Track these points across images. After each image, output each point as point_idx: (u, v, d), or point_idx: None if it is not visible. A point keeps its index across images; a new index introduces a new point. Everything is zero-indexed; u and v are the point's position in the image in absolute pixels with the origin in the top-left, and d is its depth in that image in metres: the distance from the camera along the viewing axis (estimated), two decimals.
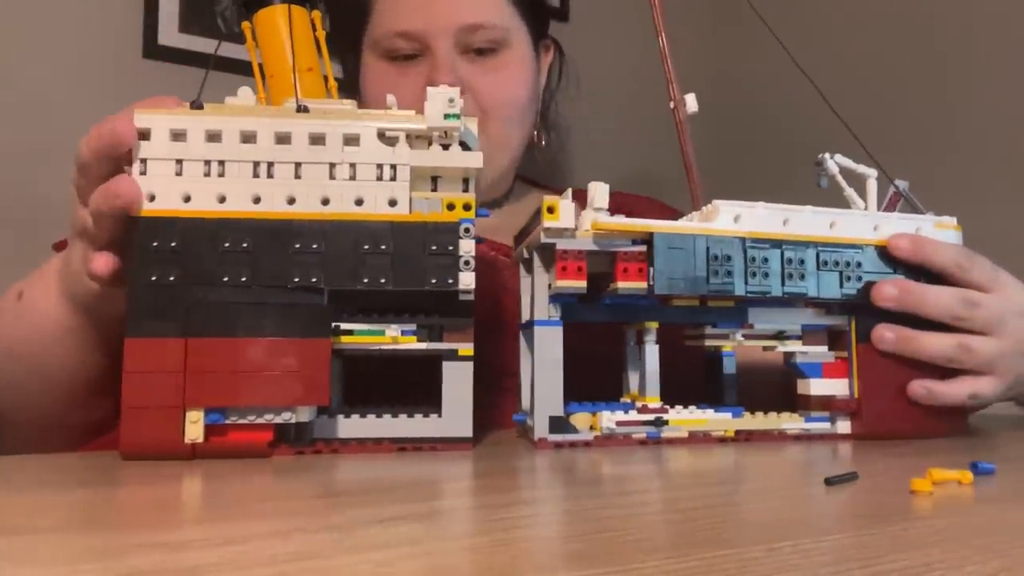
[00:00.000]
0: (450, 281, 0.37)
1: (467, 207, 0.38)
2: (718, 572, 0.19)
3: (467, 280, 0.37)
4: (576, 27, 1.13)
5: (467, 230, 0.37)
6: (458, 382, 0.38)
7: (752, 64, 1.05)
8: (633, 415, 0.40)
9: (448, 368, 0.38)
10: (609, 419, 0.40)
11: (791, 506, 0.28)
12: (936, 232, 0.44)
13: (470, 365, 0.38)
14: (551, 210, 0.38)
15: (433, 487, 0.31)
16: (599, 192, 0.39)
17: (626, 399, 0.44)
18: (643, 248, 0.39)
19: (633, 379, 0.43)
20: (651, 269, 0.39)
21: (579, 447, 0.40)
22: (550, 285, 0.40)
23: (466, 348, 0.38)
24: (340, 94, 0.41)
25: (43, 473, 0.34)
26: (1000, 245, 0.50)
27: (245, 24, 0.41)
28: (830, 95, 0.50)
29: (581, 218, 0.39)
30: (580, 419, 0.40)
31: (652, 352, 0.42)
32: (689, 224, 0.41)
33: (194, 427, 0.34)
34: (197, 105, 0.36)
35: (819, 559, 0.20)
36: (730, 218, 0.41)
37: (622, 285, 0.39)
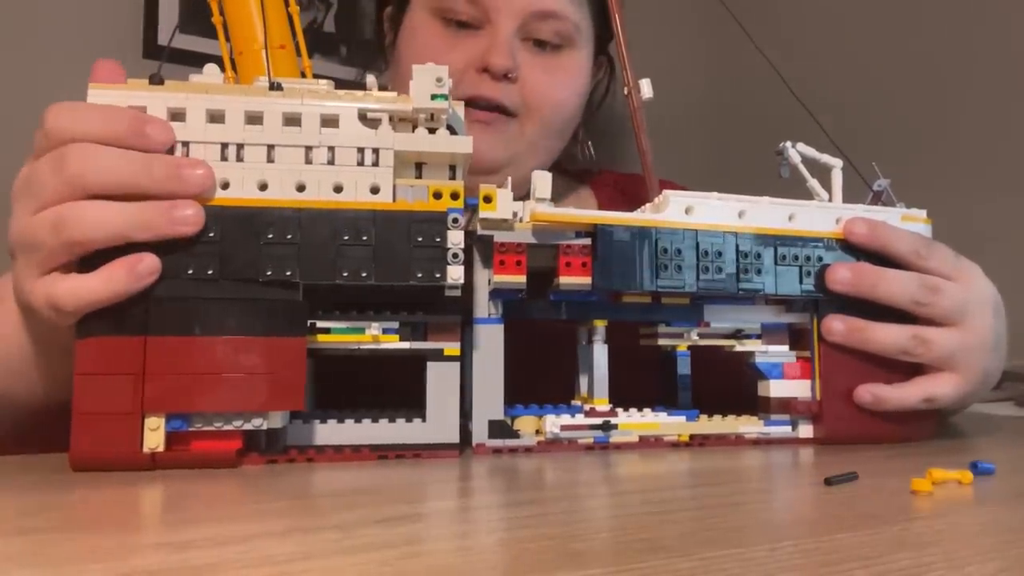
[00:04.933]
0: (437, 275, 0.37)
1: (455, 196, 0.38)
2: (718, 572, 0.20)
3: (455, 274, 0.37)
4: None
5: (455, 220, 0.37)
6: (444, 384, 0.39)
7: (741, 59, 1.08)
8: (580, 419, 0.41)
9: (433, 369, 0.39)
10: (553, 423, 0.41)
11: (791, 506, 0.30)
12: (902, 225, 0.45)
13: (456, 366, 0.39)
14: (488, 199, 0.38)
15: (429, 488, 0.32)
16: (540, 182, 0.40)
17: (577, 401, 0.45)
18: (587, 241, 0.40)
19: (585, 380, 0.44)
20: (594, 263, 0.39)
21: (520, 453, 0.40)
22: (490, 280, 0.40)
23: (452, 348, 0.39)
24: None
25: (42, 473, 0.34)
26: (972, 240, 0.52)
27: None
28: (812, 88, 0.52)
29: (523, 209, 0.40)
30: (526, 422, 0.41)
31: (600, 352, 0.43)
32: (636, 216, 0.42)
33: (154, 435, 0.34)
34: (157, 80, 0.36)
35: (819, 559, 0.22)
36: (680, 210, 0.42)
37: (564, 280, 0.40)
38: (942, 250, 0.44)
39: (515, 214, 0.40)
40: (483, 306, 0.40)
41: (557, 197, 0.41)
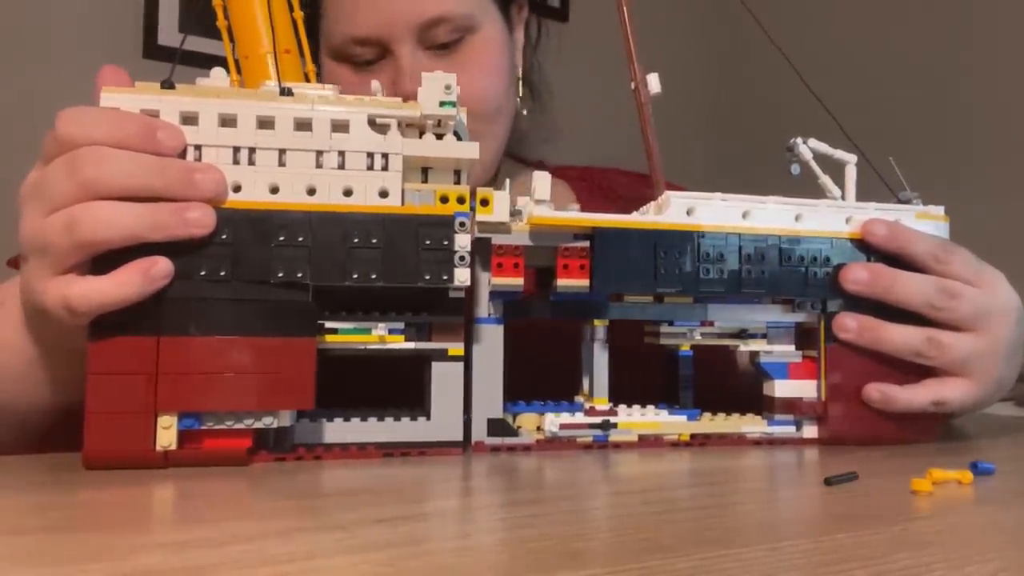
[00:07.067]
0: (444, 277, 0.37)
1: (461, 200, 0.38)
2: (718, 572, 0.20)
3: (462, 276, 0.37)
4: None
5: (462, 224, 0.38)
6: (448, 383, 0.39)
7: (752, 57, 1.07)
8: (579, 417, 0.41)
9: (437, 369, 0.39)
10: (552, 422, 0.40)
11: (791, 506, 0.29)
12: (917, 223, 0.44)
13: (460, 366, 0.39)
14: (484, 203, 0.38)
15: (431, 487, 0.32)
16: (540, 183, 0.39)
17: (579, 399, 0.44)
18: (585, 244, 0.40)
19: (587, 378, 0.44)
20: (593, 266, 0.39)
21: (519, 451, 0.40)
22: (489, 281, 0.40)
23: (456, 348, 0.39)
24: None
25: (43, 473, 0.34)
26: (990, 238, 0.50)
27: (217, 1, 0.40)
28: (827, 84, 0.50)
29: (523, 210, 0.40)
30: (527, 420, 0.41)
31: (600, 351, 0.42)
32: (635, 218, 0.41)
33: (166, 433, 0.34)
34: (168, 85, 0.36)
35: (819, 559, 0.21)
36: (682, 211, 0.41)
37: (562, 283, 0.39)
38: (963, 254, 0.42)
39: (518, 212, 0.40)
40: (483, 306, 0.40)
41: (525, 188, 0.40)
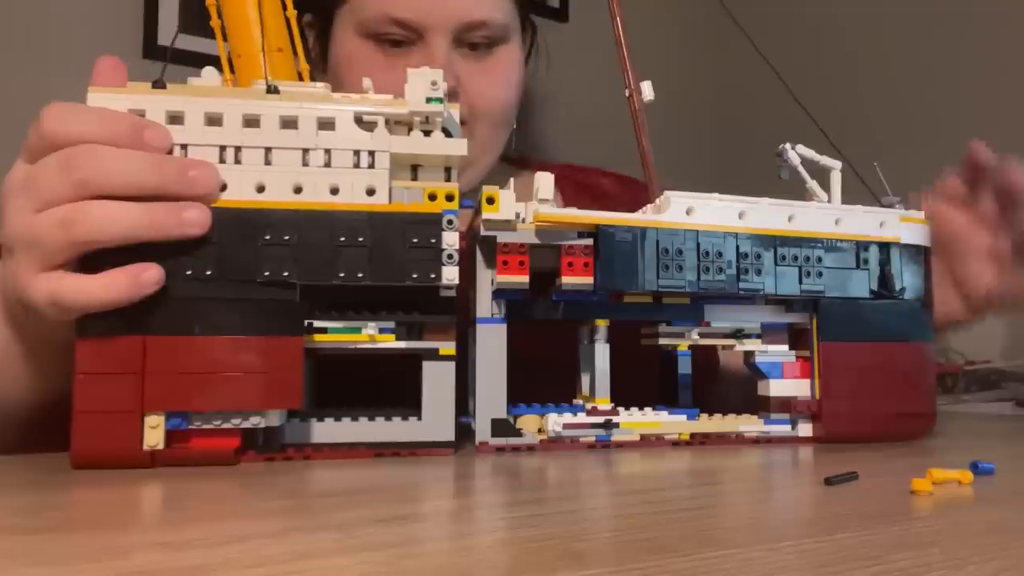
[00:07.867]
0: (432, 276, 0.37)
1: (450, 197, 0.38)
2: (718, 572, 0.19)
3: (451, 275, 0.37)
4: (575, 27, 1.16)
5: (450, 222, 0.37)
6: (439, 383, 0.38)
7: (741, 64, 1.08)
8: (582, 417, 0.41)
9: (429, 368, 0.38)
10: (556, 422, 0.40)
11: (791, 506, 0.29)
12: (901, 226, 0.45)
13: (451, 365, 0.39)
14: (491, 200, 0.38)
15: (431, 487, 0.32)
16: (543, 183, 0.39)
17: (579, 400, 0.44)
18: (589, 241, 0.40)
19: (586, 379, 0.44)
20: (596, 263, 0.39)
21: (522, 451, 0.40)
22: (493, 280, 0.40)
23: (447, 347, 0.39)
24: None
25: (38, 473, 0.34)
26: None
27: (210, 0, 0.40)
28: (811, 89, 0.51)
29: (525, 209, 0.40)
30: (528, 421, 0.41)
31: (602, 351, 0.42)
32: (638, 216, 0.42)
33: (154, 433, 0.34)
34: (159, 85, 0.36)
35: (819, 559, 0.21)
36: (681, 210, 0.41)
37: (566, 280, 0.39)
38: None
39: (517, 215, 0.39)
40: (486, 306, 0.40)
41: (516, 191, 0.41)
